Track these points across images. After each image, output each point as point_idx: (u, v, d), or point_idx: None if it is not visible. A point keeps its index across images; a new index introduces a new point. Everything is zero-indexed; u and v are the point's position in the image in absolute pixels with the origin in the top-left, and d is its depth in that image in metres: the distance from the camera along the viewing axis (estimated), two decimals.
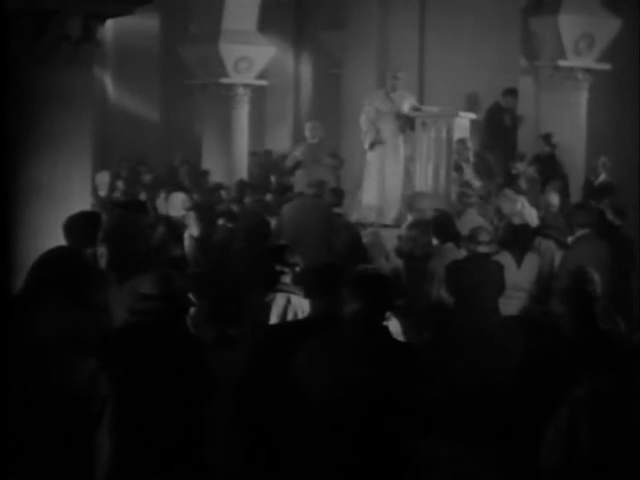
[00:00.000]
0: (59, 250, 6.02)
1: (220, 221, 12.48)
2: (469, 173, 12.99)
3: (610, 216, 10.47)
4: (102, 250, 6.98)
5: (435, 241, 10.12)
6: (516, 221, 10.61)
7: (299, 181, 14.63)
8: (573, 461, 4.50)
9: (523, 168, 13.87)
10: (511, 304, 9.36)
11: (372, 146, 13.23)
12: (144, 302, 5.34)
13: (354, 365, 4.80)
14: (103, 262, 7.02)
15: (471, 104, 14.72)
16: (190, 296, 5.90)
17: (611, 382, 4.58)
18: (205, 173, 16.31)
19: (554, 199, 12.02)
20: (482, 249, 9.13)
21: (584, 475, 4.50)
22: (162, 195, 14.16)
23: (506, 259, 9.43)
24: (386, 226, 12.78)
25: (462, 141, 13.11)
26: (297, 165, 15.18)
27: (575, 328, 6.12)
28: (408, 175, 13.29)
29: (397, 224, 12.54)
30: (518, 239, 9.72)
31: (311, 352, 4.91)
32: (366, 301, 4.90)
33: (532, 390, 6.24)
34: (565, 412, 4.56)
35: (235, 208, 13.01)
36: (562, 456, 4.53)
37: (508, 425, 7.16)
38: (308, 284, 5.76)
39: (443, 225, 10.08)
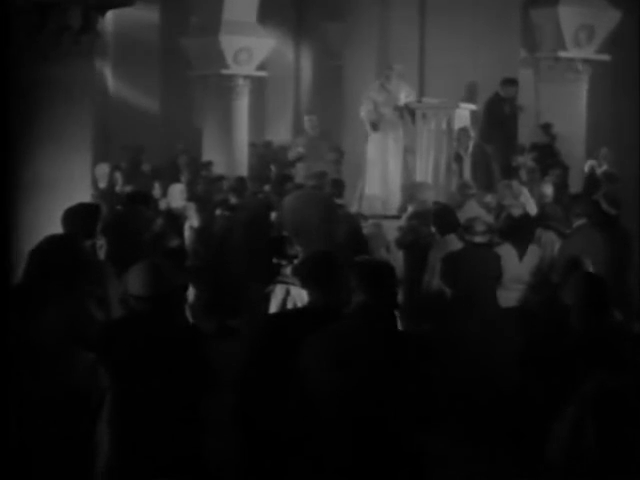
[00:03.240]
0: (56, 237, 6.03)
1: (218, 211, 12.47)
2: (467, 166, 12.99)
3: (604, 206, 10.48)
4: (101, 242, 6.97)
5: (436, 233, 10.12)
6: (516, 213, 10.60)
7: (300, 173, 14.65)
8: (579, 457, 4.49)
9: (523, 160, 13.87)
10: (513, 297, 9.37)
11: (374, 127, 13.23)
12: (135, 302, 5.31)
13: (360, 357, 4.78)
14: (102, 254, 7.00)
15: (470, 94, 14.68)
16: (190, 287, 5.88)
17: (619, 379, 4.57)
18: (208, 164, 16.31)
19: (548, 190, 12.04)
20: (478, 239, 9.13)
21: (590, 472, 4.49)
22: (157, 186, 14.16)
23: (508, 251, 9.43)
24: (391, 217, 12.79)
25: (464, 129, 13.10)
26: (300, 158, 15.18)
27: (585, 321, 6.04)
28: (407, 166, 13.31)
29: (401, 214, 12.55)
30: (520, 231, 9.71)
31: (317, 344, 4.87)
32: (372, 293, 4.87)
33: (537, 385, 6.21)
34: (572, 408, 4.54)
35: (233, 198, 12.97)
36: (568, 452, 4.52)
37: (512, 420, 7.15)
38: (304, 273, 5.74)
39: (443, 217, 10.08)
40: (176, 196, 12.56)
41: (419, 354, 4.91)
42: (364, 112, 13.44)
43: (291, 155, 15.68)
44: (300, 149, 15.27)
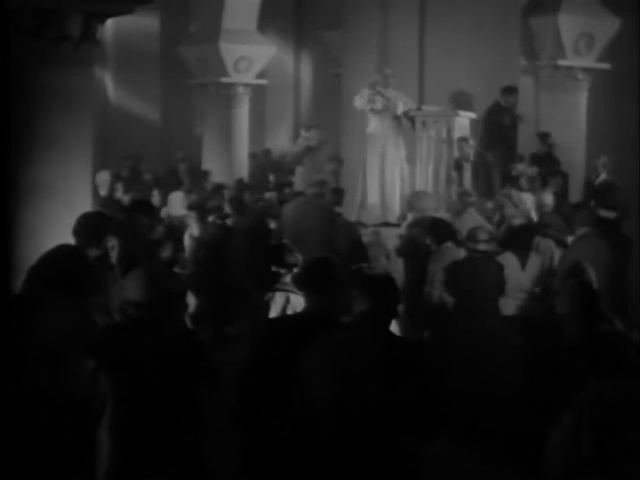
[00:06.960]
0: (60, 248, 6.04)
1: (210, 218, 12.44)
2: (467, 175, 12.98)
3: (602, 213, 10.49)
4: (113, 242, 6.95)
5: (432, 243, 10.11)
6: (517, 222, 10.60)
7: (299, 180, 14.66)
8: (577, 465, 4.49)
9: (523, 169, 13.85)
10: (515, 305, 9.36)
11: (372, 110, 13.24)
12: (132, 308, 5.31)
13: (362, 366, 4.79)
14: (114, 254, 7.00)
15: (456, 104, 14.53)
16: (188, 295, 5.87)
17: (616, 386, 4.57)
18: (205, 173, 16.31)
19: (548, 199, 12.04)
20: (482, 247, 9.13)
21: (588, 478, 4.49)
22: (156, 194, 14.15)
23: (510, 260, 9.42)
24: (390, 225, 12.79)
25: (464, 139, 13.09)
26: (307, 150, 15.15)
27: (579, 330, 6.04)
28: (406, 175, 13.30)
29: (400, 223, 12.55)
30: (520, 240, 9.71)
31: (318, 352, 4.89)
32: (375, 302, 4.90)
33: (535, 393, 6.21)
34: (570, 416, 4.54)
35: (227, 207, 12.92)
36: (566, 460, 4.52)
37: (512, 427, 7.14)
38: (301, 278, 5.74)
39: (438, 227, 10.08)
40: (176, 204, 12.56)
41: (420, 363, 4.92)
42: (359, 100, 13.44)
43: (297, 148, 15.66)
44: (310, 141, 15.21)
